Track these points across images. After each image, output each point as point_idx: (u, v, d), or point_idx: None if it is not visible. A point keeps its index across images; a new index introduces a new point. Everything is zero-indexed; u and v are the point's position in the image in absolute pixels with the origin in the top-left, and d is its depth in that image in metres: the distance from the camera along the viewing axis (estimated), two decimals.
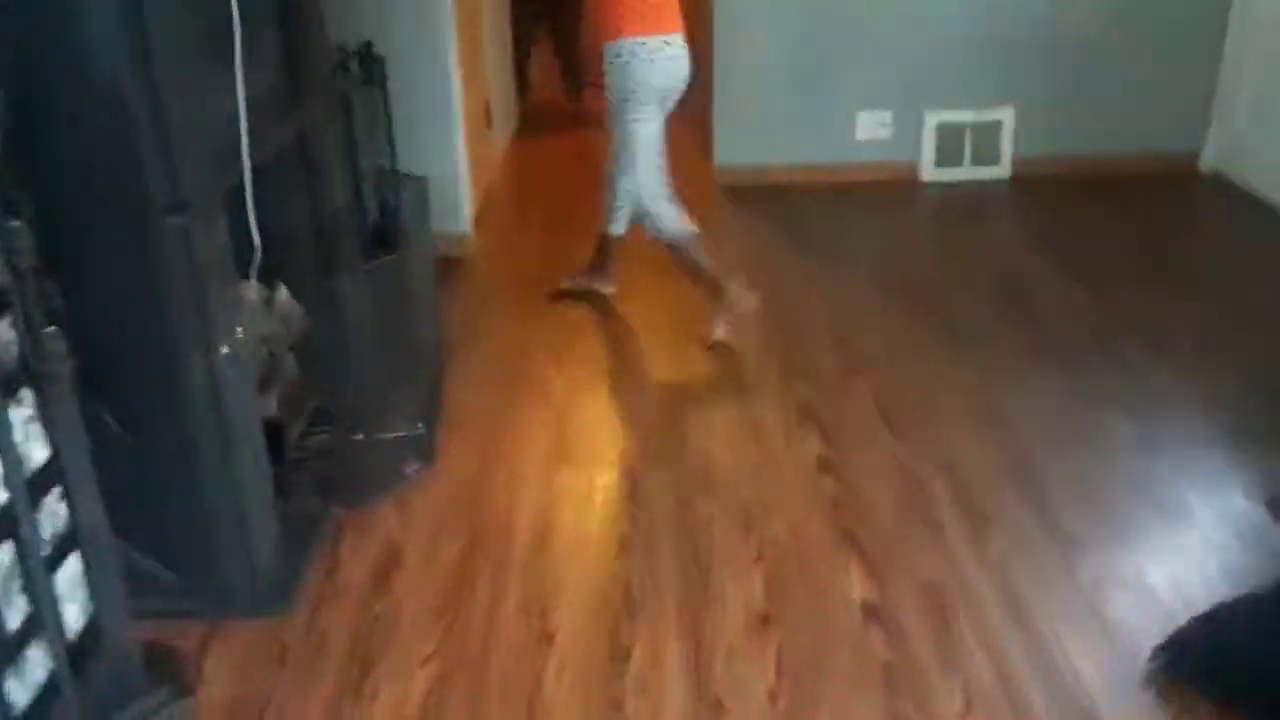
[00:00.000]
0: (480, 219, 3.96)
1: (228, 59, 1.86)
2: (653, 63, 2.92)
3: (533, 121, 5.50)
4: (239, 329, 1.91)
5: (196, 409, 1.82)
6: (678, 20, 2.99)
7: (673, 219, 3.03)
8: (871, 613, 2.02)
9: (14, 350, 1.55)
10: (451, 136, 3.61)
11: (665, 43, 2.93)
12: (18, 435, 1.54)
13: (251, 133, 1.92)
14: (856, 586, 2.09)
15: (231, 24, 1.84)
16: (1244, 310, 3.20)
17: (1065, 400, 2.74)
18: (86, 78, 1.61)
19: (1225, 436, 2.55)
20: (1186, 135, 4.41)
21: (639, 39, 2.89)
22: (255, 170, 1.95)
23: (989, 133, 4.37)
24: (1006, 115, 4.35)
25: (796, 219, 4.07)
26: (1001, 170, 4.43)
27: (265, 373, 2.28)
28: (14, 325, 1.51)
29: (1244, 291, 3.33)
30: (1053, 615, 1.99)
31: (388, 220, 2.89)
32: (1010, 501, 2.34)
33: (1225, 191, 4.25)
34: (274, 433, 2.19)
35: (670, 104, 3.06)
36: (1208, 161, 4.41)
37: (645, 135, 2.99)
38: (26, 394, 1.55)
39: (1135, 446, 2.52)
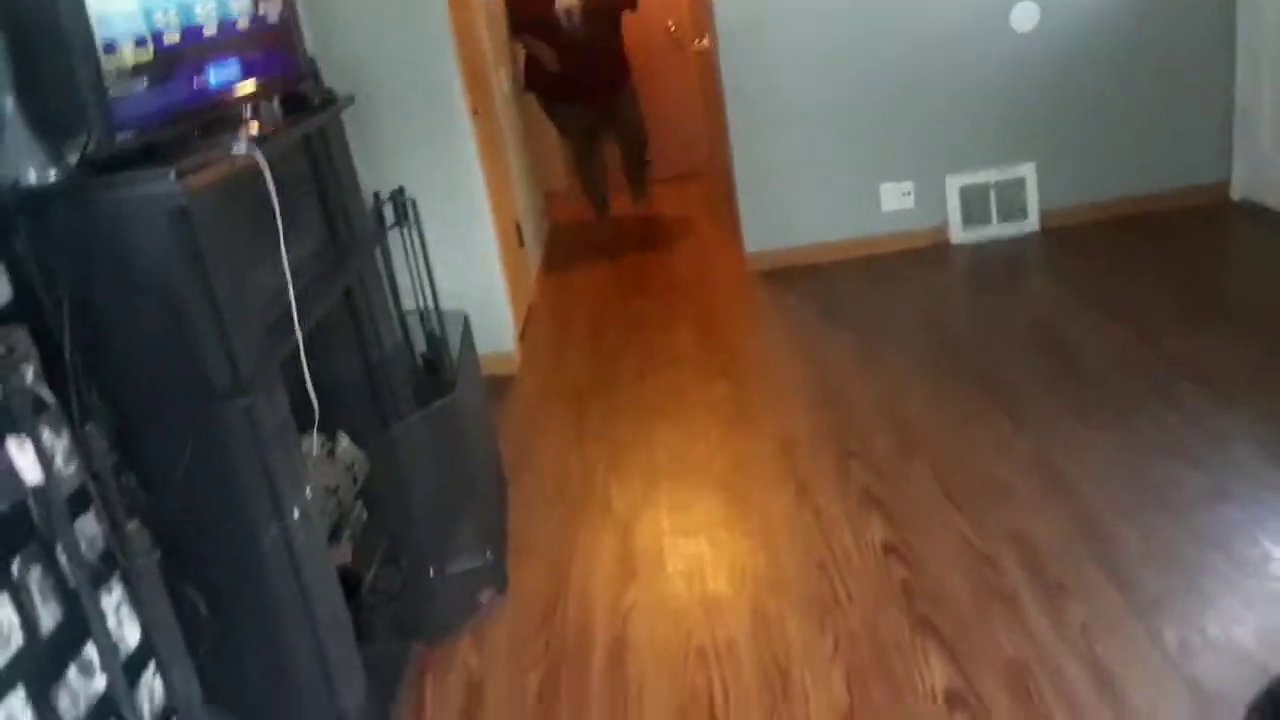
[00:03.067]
0: (523, 335, 4.06)
1: (272, 238, 1.97)
2: None
3: (564, 235, 5.64)
4: (307, 489, 1.98)
5: (274, 574, 1.88)
6: None
7: None
8: (955, 699, 2.00)
9: (100, 544, 1.64)
10: (487, 262, 3.74)
11: None
12: (111, 621, 1.62)
13: (300, 300, 2.02)
14: (937, 673, 2.08)
15: (272, 205, 1.96)
16: None
17: (1126, 456, 2.72)
18: (141, 280, 1.71)
19: None
20: (1212, 165, 4.42)
21: None
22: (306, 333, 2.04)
23: (1013, 189, 4.41)
24: (1028, 171, 4.39)
25: (833, 297, 4.11)
26: (1030, 224, 4.45)
27: (335, 522, 2.35)
28: (98, 520, 1.60)
29: None
30: (1142, 684, 1.96)
31: (435, 354, 2.99)
32: (1084, 568, 2.31)
33: (1259, 218, 4.24)
34: (349, 580, 2.25)
35: None
36: (1237, 189, 4.41)
37: None
38: (116, 585, 1.64)
39: (1204, 497, 2.49)
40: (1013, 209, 4.44)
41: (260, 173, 1.92)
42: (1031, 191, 4.42)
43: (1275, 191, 4.21)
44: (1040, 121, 4.36)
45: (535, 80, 5.47)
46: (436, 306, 3.06)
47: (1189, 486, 2.54)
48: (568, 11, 5.15)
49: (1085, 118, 4.35)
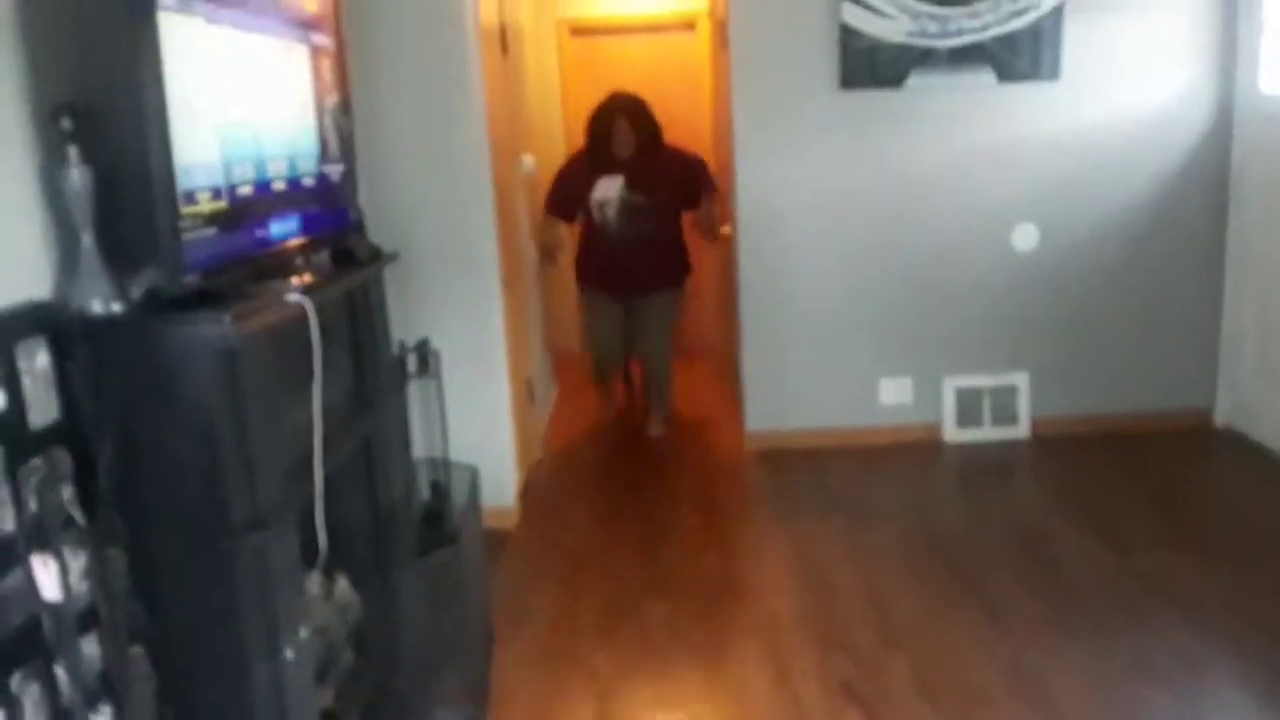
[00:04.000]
0: (524, 493, 4.14)
1: (306, 381, 2.08)
2: None
3: (573, 390, 5.77)
4: (302, 629, 2.03)
5: (259, 713, 1.90)
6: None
7: None
8: None
9: (97, 666, 1.68)
10: (499, 418, 3.85)
11: None
12: None
13: (324, 444, 2.11)
14: None
15: (311, 349, 2.08)
16: (1264, 571, 3.25)
17: (1101, 672, 2.76)
18: (181, 413, 1.80)
19: (1265, 707, 2.55)
20: (1198, 392, 4.60)
21: None
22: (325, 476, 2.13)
23: (1006, 395, 4.57)
24: (1021, 380, 4.56)
25: (827, 483, 4.21)
26: (1021, 430, 4.59)
27: (322, 664, 2.37)
28: (100, 643, 1.65)
29: (1263, 552, 3.38)
30: None
31: (438, 505, 3.06)
32: None
33: (1239, 447, 4.38)
34: None
35: None
36: (1220, 417, 4.57)
37: None
38: (106, 707, 1.67)
39: None
40: (1005, 414, 4.59)
41: (304, 319, 2.05)
42: (1024, 399, 4.58)
43: (1256, 422, 4.38)
44: (1036, 334, 4.56)
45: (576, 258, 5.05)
46: (446, 458, 3.15)
47: (1160, 710, 2.58)
48: (601, 205, 4.68)
49: (1078, 335, 4.55)
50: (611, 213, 4.67)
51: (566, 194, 4.81)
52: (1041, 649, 2.88)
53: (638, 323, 4.93)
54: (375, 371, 2.57)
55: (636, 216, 4.67)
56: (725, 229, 4.78)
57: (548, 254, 4.91)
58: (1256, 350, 4.36)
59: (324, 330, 2.10)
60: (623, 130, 4.61)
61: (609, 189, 4.66)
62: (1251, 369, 4.39)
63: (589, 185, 4.69)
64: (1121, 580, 3.25)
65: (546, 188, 4.96)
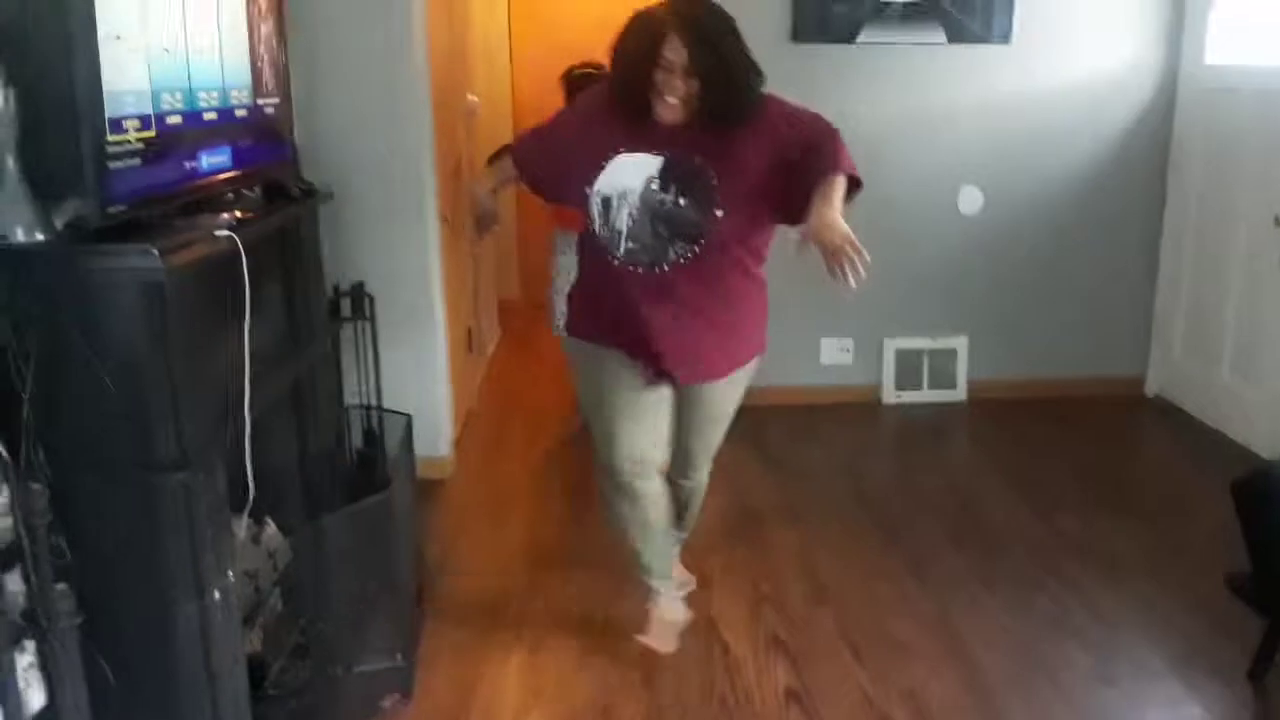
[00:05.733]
0: (460, 442, 4.11)
1: (236, 320, 2.03)
2: None
3: (515, 338, 5.74)
4: (230, 572, 2.00)
5: (184, 653, 1.89)
6: None
7: None
8: None
9: (20, 601, 1.65)
10: (436, 366, 3.79)
11: None
12: (20, 682, 1.61)
13: (254, 384, 2.07)
14: None
15: (242, 287, 2.03)
16: (1184, 535, 3.34)
17: (1022, 629, 2.83)
18: (106, 347, 1.76)
19: (1175, 666, 2.64)
20: (1131, 361, 4.70)
21: None
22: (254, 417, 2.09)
23: (945, 358, 4.63)
24: (960, 343, 4.62)
25: (765, 440, 4.24)
26: (958, 394, 4.66)
27: (250, 608, 2.35)
28: (24, 579, 1.61)
29: (1181, 517, 3.48)
30: None
31: (372, 452, 3.03)
32: None
33: (1168, 415, 4.49)
34: (255, 669, 2.25)
35: None
36: (1151, 386, 4.68)
37: None
38: (29, 643, 1.64)
39: (1091, 679, 2.60)
40: (943, 377, 4.65)
41: (233, 256, 2.00)
42: (962, 363, 4.64)
43: (1184, 392, 4.49)
44: (976, 299, 4.61)
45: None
46: (380, 404, 3.11)
47: (1078, 666, 2.65)
48: (608, 201, 2.39)
49: (1018, 301, 4.61)
50: (625, 219, 2.36)
51: (555, 155, 2.51)
52: (964, 604, 2.94)
53: (674, 421, 2.65)
54: (307, 313, 2.52)
55: (672, 234, 2.36)
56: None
57: (477, 222, 2.74)
58: (1188, 322, 4.46)
59: (255, 267, 2.06)
60: (679, 66, 2.23)
61: (629, 175, 2.36)
62: (1182, 340, 4.49)
63: (601, 154, 2.37)
64: (1045, 540, 3.33)
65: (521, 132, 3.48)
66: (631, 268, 2.38)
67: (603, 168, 2.35)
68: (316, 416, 2.68)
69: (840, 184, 2.30)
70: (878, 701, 2.51)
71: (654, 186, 2.34)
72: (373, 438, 2.98)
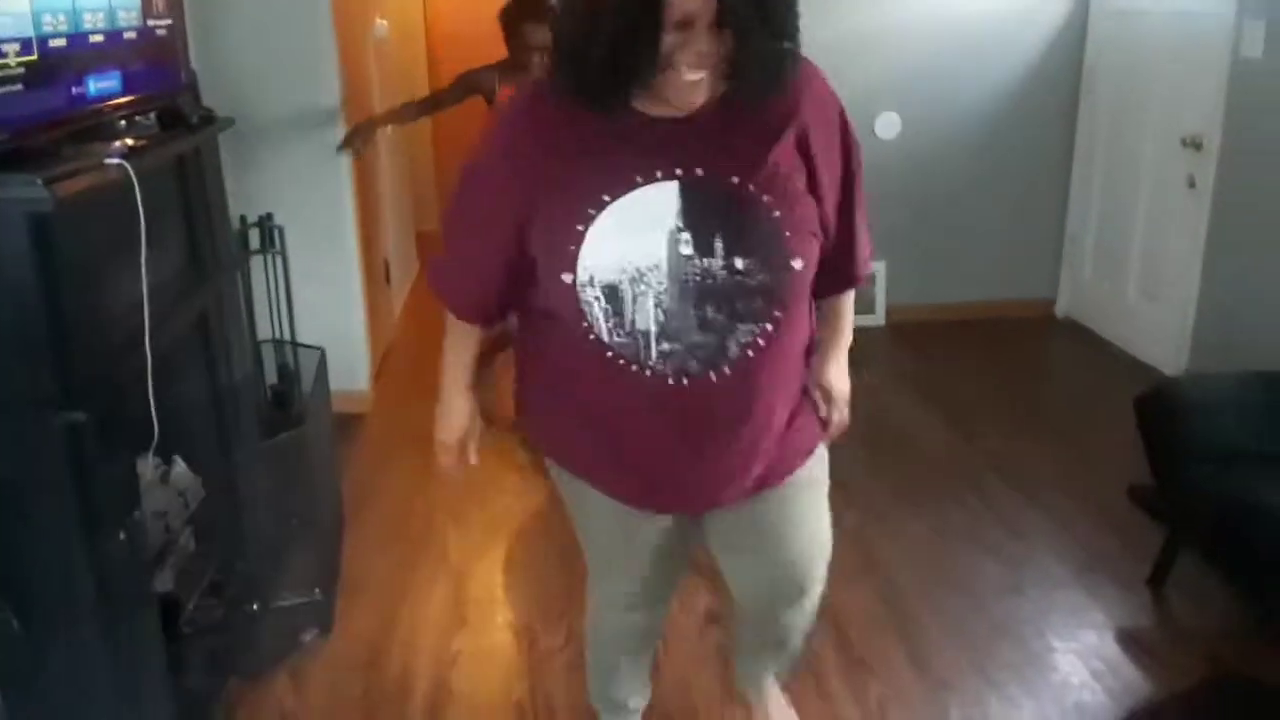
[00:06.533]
0: (379, 376, 4.05)
1: (133, 253, 1.95)
2: None
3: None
4: (135, 512, 1.95)
5: (90, 596, 1.84)
6: None
7: None
8: None
9: None
10: (350, 298, 3.72)
11: None
12: None
13: (154, 320, 2.00)
14: None
15: (137, 219, 1.95)
16: (1092, 451, 3.45)
17: (936, 543, 2.91)
18: None
19: (1080, 575, 2.74)
20: (1042, 283, 4.80)
21: None
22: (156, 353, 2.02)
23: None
24: (879, 268, 4.67)
25: None
26: (877, 319, 4.72)
27: (161, 548, 2.30)
28: None
29: (1092, 434, 3.59)
30: None
31: (285, 387, 2.97)
32: (888, 647, 2.47)
33: (1078, 336, 4.61)
34: (169, 608, 2.21)
35: None
36: (1061, 308, 4.79)
37: None
38: None
39: (1001, 589, 2.69)
40: (863, 303, 4.68)
41: (128, 186, 1.91)
42: (880, 288, 4.70)
43: (1093, 314, 4.61)
44: (894, 224, 4.63)
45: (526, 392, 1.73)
46: (294, 338, 3.04)
47: (989, 577, 2.75)
48: (615, 290, 1.41)
49: (934, 225, 4.66)
50: (653, 311, 1.42)
51: (497, 248, 1.49)
52: (882, 522, 3.02)
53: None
54: (211, 245, 2.44)
55: (732, 316, 1.44)
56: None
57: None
58: (1097, 244, 4.56)
59: (152, 198, 1.97)
60: (702, 17, 1.28)
61: (638, 234, 1.40)
62: (1091, 262, 4.60)
63: (574, 210, 1.39)
64: (963, 459, 3.42)
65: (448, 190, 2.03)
66: (671, 380, 1.45)
67: (583, 235, 1.38)
68: (228, 352, 2.60)
69: (851, 312, 1.74)
70: None
71: (684, 247, 1.39)
72: (287, 373, 2.92)
